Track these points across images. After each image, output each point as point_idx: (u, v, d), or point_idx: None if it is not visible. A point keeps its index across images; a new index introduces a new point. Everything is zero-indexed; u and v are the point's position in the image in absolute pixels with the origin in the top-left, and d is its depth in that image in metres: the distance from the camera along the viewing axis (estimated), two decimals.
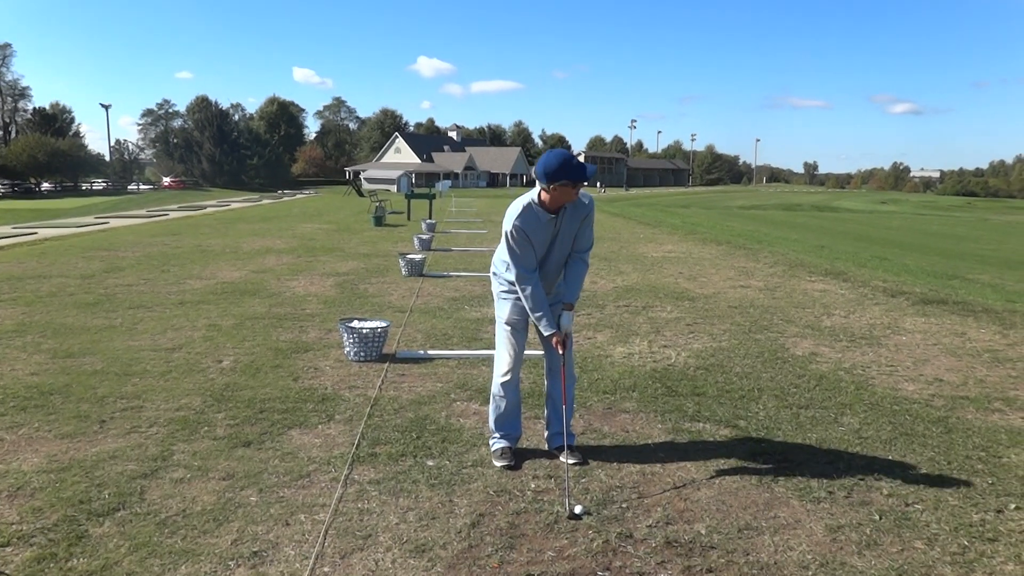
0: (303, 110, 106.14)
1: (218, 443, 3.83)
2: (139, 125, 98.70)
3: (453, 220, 22.48)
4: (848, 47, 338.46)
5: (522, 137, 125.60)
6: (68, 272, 9.80)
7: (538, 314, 3.53)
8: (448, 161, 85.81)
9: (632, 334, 6.59)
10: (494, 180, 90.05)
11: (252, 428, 4.06)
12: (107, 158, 74.67)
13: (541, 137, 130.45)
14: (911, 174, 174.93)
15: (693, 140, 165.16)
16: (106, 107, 70.29)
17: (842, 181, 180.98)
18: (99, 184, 64.18)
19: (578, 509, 3.13)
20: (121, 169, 74.61)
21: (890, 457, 3.83)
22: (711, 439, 4.06)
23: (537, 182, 3.46)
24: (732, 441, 4.03)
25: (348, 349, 5.50)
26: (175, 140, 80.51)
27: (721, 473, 3.59)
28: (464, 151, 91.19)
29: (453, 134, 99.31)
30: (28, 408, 4.31)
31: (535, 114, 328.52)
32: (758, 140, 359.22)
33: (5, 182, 56.34)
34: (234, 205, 32.68)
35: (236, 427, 4.07)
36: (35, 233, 16.17)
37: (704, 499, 3.30)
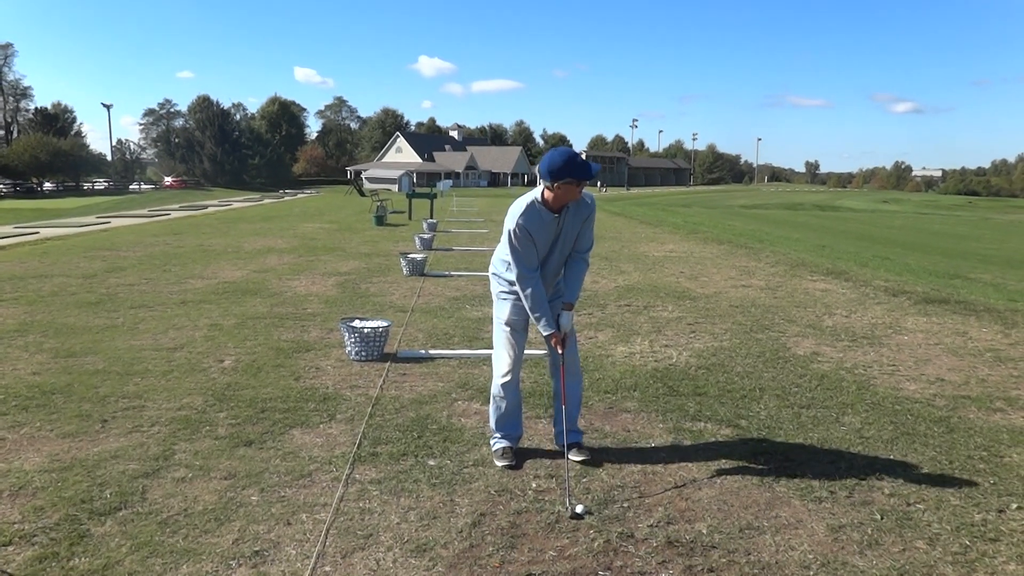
0: (304, 110, 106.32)
1: (219, 443, 3.84)
2: (141, 125, 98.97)
3: (454, 219, 22.48)
4: (849, 46, 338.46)
5: (523, 136, 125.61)
6: (70, 272, 9.81)
7: (537, 314, 3.52)
8: (449, 160, 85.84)
9: (633, 333, 6.59)
10: (495, 179, 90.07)
11: (253, 427, 4.06)
12: (109, 158, 74.82)
13: (542, 136, 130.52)
14: (913, 173, 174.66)
15: (694, 139, 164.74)
16: (108, 107, 70.46)
17: (844, 180, 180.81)
18: (101, 184, 64.25)
19: (579, 509, 3.13)
20: (123, 169, 74.71)
21: (892, 457, 3.83)
22: (712, 439, 4.06)
23: (540, 181, 3.46)
24: (733, 441, 4.03)
25: (349, 349, 5.51)
26: (177, 140, 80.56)
27: (722, 473, 3.59)
28: (465, 150, 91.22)
29: (454, 133, 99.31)
30: (30, 407, 4.32)
31: (536, 113, 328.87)
32: (759, 139, 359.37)
33: (7, 182, 56.44)
34: (235, 205, 32.70)
35: (237, 426, 4.07)
36: (37, 233, 16.18)
37: (705, 499, 3.30)
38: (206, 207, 29.71)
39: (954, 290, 9.27)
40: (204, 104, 76.75)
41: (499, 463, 3.62)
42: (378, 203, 21.60)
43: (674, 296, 8.58)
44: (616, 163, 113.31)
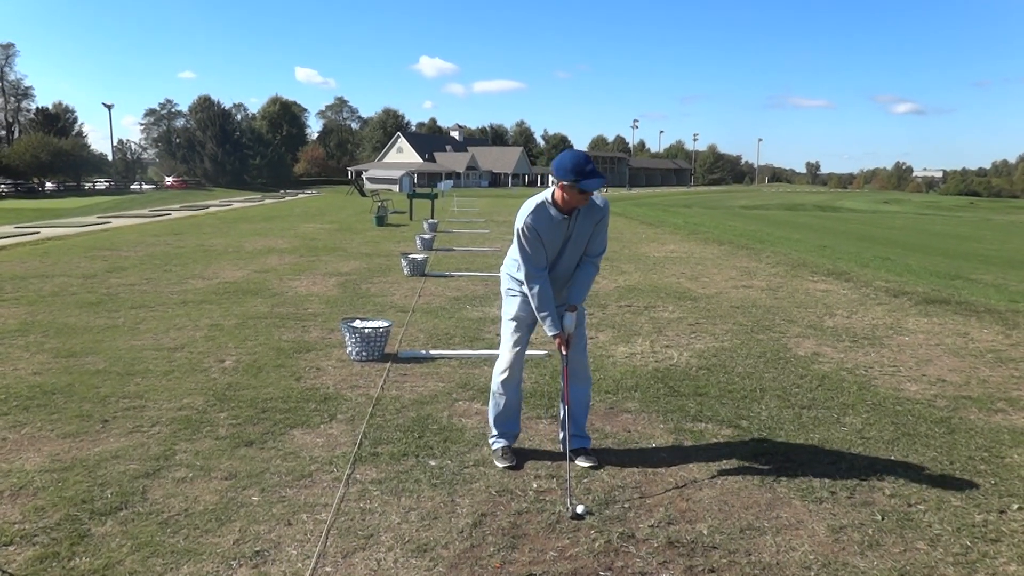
0: (305, 110, 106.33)
1: (220, 443, 3.84)
2: (142, 125, 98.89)
3: (455, 220, 22.48)
4: (850, 46, 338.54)
5: (524, 137, 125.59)
6: (71, 272, 9.81)
7: (543, 314, 3.51)
8: (450, 161, 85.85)
9: (634, 334, 6.58)
10: (496, 180, 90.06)
11: (254, 428, 4.06)
12: (110, 158, 74.82)
13: (543, 137, 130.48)
14: (914, 174, 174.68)
15: (695, 140, 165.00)
16: (109, 107, 70.56)
17: (844, 181, 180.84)
18: (102, 184, 64.23)
19: (580, 509, 3.13)
20: (124, 169, 74.70)
21: (892, 457, 3.83)
22: (713, 439, 4.06)
23: (551, 179, 3.46)
24: (734, 441, 4.03)
25: (350, 349, 5.51)
26: (178, 140, 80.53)
27: (723, 473, 3.59)
28: (466, 151, 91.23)
29: (455, 134, 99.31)
30: (31, 407, 4.32)
31: (537, 114, 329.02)
32: (760, 140, 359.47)
33: (8, 182, 56.43)
34: (236, 205, 32.71)
35: (238, 427, 4.07)
36: (38, 233, 16.19)
37: (706, 499, 3.30)
38: (207, 207, 29.72)
39: (955, 291, 9.26)
40: (205, 104, 76.74)
41: (498, 463, 3.62)
42: (379, 203, 21.61)
43: (675, 297, 8.58)
44: (617, 163, 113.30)
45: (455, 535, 2.94)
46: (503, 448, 3.69)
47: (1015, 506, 3.28)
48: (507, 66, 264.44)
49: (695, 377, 5.21)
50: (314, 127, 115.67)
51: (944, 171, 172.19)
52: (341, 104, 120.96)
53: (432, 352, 5.79)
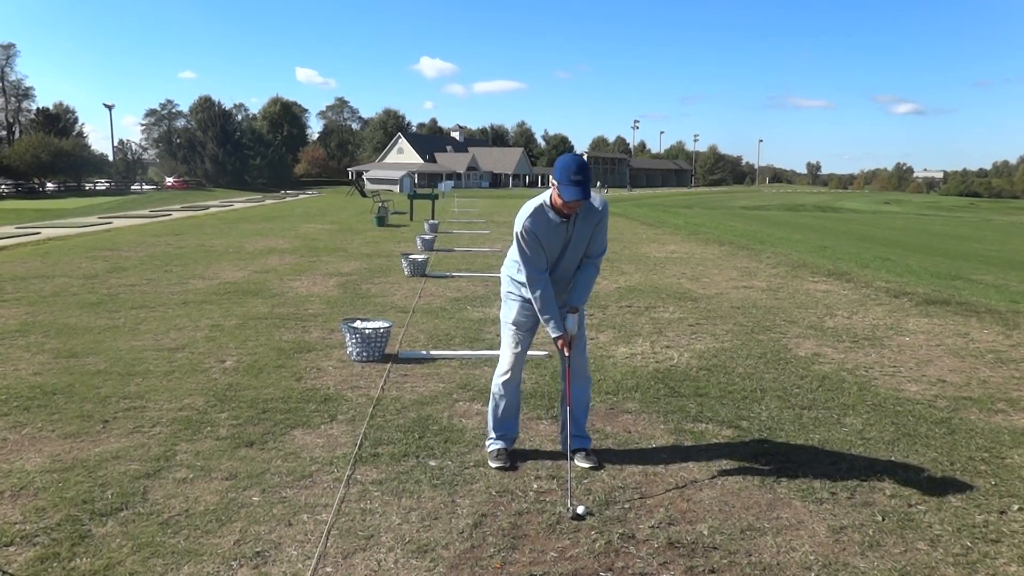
0: (306, 110, 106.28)
1: (221, 443, 3.84)
2: (142, 125, 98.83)
3: (456, 220, 22.49)
4: (850, 47, 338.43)
5: (525, 137, 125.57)
6: (71, 272, 9.82)
7: (546, 316, 3.50)
8: (451, 161, 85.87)
9: (635, 334, 6.58)
10: (497, 180, 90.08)
11: (255, 428, 4.07)
12: (110, 158, 74.80)
13: (544, 137, 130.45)
14: (914, 175, 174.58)
15: (696, 141, 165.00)
16: (109, 107, 70.76)
17: (845, 182, 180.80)
18: (102, 184, 64.23)
19: (581, 509, 3.13)
20: (124, 169, 74.65)
21: (893, 458, 3.83)
22: (713, 440, 4.06)
23: (551, 180, 3.44)
24: (734, 442, 4.03)
25: (351, 349, 5.51)
26: (178, 140, 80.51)
27: (723, 474, 3.59)
28: (467, 151, 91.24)
29: (456, 134, 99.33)
30: (31, 408, 4.32)
31: (538, 114, 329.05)
32: (761, 140, 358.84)
33: (9, 182, 56.43)
34: (237, 205, 32.73)
35: (239, 427, 4.07)
36: (39, 233, 16.20)
37: (706, 500, 3.30)
38: (207, 207, 29.74)
39: (955, 291, 9.26)
40: (206, 104, 76.73)
41: (492, 464, 3.62)
42: (379, 204, 21.61)
43: (675, 297, 8.58)
44: (618, 164, 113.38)
45: (455, 536, 2.94)
46: (499, 450, 3.69)
47: (1015, 507, 3.28)
48: (507, 66, 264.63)
49: (695, 378, 5.21)
50: (315, 127, 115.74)
51: (945, 172, 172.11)
52: (342, 104, 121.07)
53: (433, 353, 5.79)
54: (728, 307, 7.97)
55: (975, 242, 23.63)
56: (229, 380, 4.95)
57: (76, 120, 77.80)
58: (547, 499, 3.28)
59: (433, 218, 19.28)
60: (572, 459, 3.59)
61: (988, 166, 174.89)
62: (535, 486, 3.41)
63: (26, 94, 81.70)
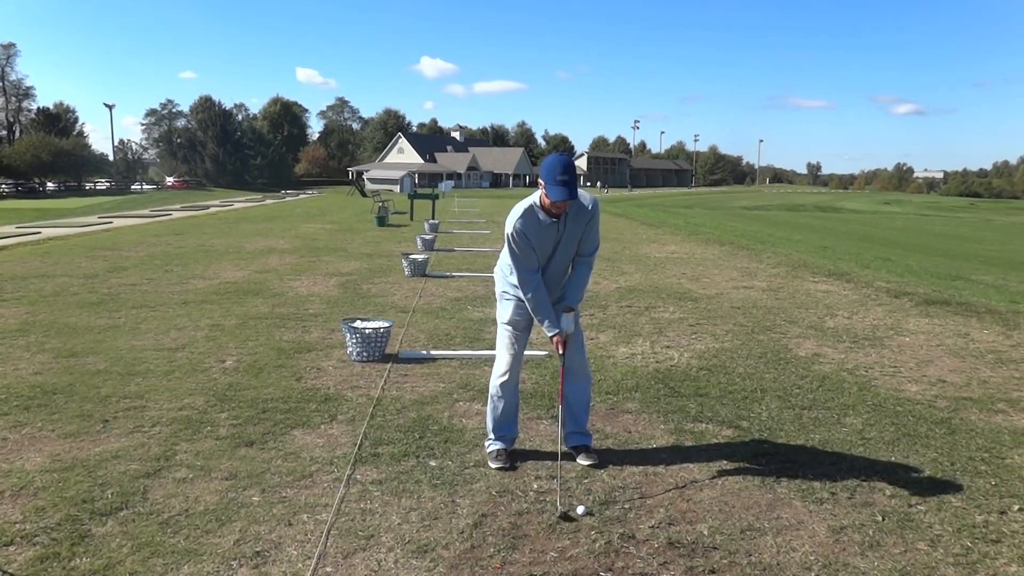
0: (306, 110, 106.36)
1: (221, 443, 3.84)
2: (143, 125, 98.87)
3: (456, 220, 22.49)
4: (851, 47, 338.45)
5: (525, 137, 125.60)
6: (72, 272, 9.82)
7: (540, 316, 3.51)
8: (451, 161, 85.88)
9: (635, 335, 6.58)
10: (497, 180, 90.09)
11: (255, 428, 4.07)
12: (111, 158, 74.85)
13: (544, 137, 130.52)
14: (915, 175, 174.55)
15: (696, 141, 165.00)
16: (110, 107, 71.02)
17: (845, 182, 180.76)
18: (103, 184, 64.27)
19: (581, 509, 3.13)
20: (125, 169, 74.64)
21: (893, 458, 3.83)
22: (714, 440, 4.05)
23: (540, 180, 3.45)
24: (735, 442, 4.03)
25: (351, 349, 5.51)
26: (179, 140, 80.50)
27: (724, 474, 3.59)
28: (467, 151, 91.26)
29: (456, 134, 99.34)
30: (31, 407, 4.32)
31: (538, 114, 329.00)
32: (761, 141, 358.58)
33: (9, 182, 56.47)
34: (237, 205, 32.72)
35: (239, 427, 4.07)
36: (39, 233, 16.20)
37: (707, 500, 3.30)
38: (208, 207, 29.73)
39: (956, 291, 9.25)
40: (206, 104, 76.75)
41: (492, 465, 3.62)
42: (380, 204, 21.61)
43: (675, 297, 8.58)
44: (618, 164, 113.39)
45: (455, 535, 2.94)
46: (498, 450, 3.69)
47: (1015, 507, 3.28)
48: (508, 66, 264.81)
49: (696, 378, 5.21)
50: (315, 127, 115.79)
51: (945, 172, 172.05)
52: (342, 104, 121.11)
53: (433, 352, 5.79)
54: (728, 307, 7.97)
55: (975, 242, 23.62)
56: (229, 380, 4.95)
57: (76, 120, 77.93)
58: (547, 499, 3.28)
59: (433, 218, 19.27)
60: (572, 457, 3.60)
61: (988, 166, 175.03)
62: (535, 486, 3.41)
63: (26, 94, 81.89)
